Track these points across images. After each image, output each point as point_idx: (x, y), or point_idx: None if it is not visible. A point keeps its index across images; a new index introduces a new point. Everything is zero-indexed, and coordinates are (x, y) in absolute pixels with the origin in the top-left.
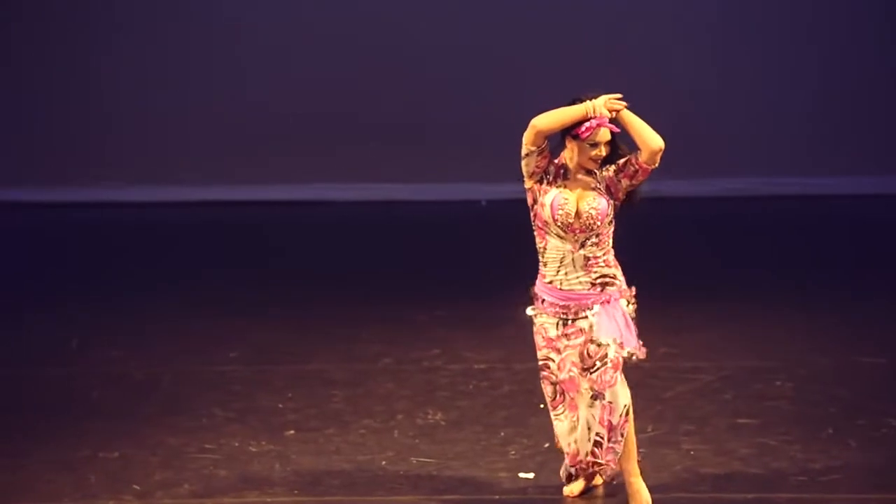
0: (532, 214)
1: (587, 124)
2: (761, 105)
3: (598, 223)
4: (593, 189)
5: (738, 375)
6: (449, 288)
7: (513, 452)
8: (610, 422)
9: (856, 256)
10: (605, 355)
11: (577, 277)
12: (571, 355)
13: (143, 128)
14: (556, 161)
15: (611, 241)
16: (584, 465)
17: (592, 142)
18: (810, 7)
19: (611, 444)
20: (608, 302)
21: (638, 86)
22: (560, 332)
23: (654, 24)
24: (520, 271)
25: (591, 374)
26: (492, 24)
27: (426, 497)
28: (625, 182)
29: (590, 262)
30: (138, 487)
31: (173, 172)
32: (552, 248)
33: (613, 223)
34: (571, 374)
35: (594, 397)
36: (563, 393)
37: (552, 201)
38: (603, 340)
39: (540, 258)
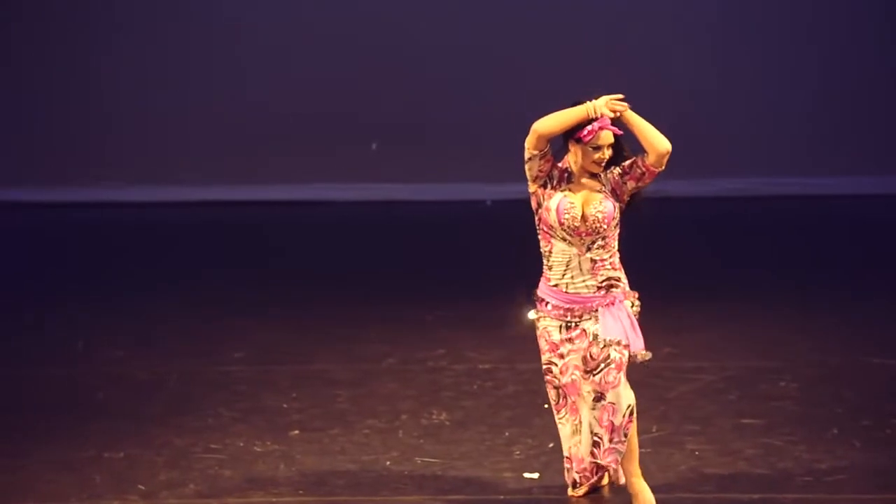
0: (536, 218)
1: (589, 127)
2: (761, 105)
3: (605, 226)
4: (599, 192)
5: (742, 376)
6: (450, 288)
7: (517, 452)
8: (612, 422)
9: (856, 256)
10: (609, 356)
11: (584, 281)
12: (574, 359)
13: (143, 128)
14: (559, 165)
15: (616, 243)
16: (587, 474)
17: (595, 145)
18: (810, 7)
19: (613, 445)
20: (613, 304)
21: (638, 86)
22: (564, 336)
23: (654, 24)
24: (521, 271)
25: (594, 375)
26: (492, 24)
27: (431, 497)
28: (631, 184)
29: (596, 266)
30: (143, 487)
31: (173, 172)
32: (558, 252)
33: (619, 226)
34: (573, 377)
35: (597, 399)
36: (565, 397)
37: (558, 205)
38: (609, 340)
39: (544, 261)
